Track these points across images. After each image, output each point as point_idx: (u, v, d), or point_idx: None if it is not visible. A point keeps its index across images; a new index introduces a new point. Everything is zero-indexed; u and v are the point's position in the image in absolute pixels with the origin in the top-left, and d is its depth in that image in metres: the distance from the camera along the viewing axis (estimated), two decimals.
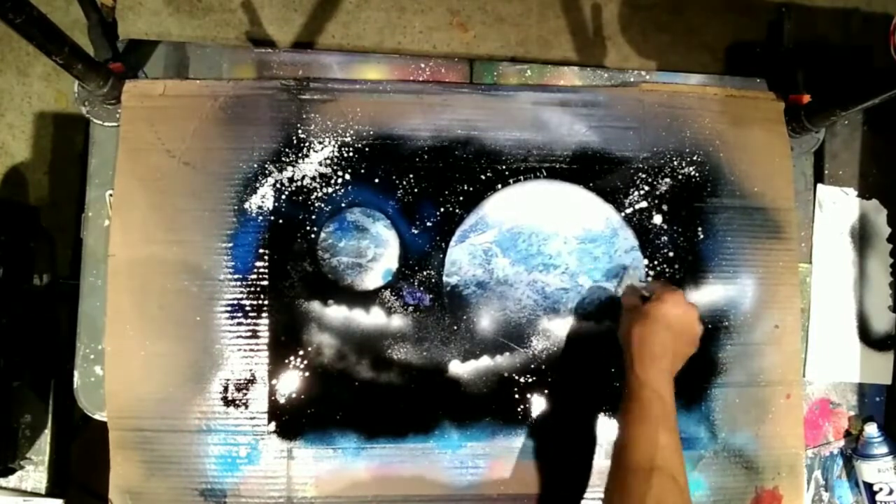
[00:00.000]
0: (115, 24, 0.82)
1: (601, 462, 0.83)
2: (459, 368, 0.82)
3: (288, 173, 0.83)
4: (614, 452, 0.68)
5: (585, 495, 0.83)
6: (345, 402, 0.81)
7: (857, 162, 0.96)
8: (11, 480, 0.87)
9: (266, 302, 0.81)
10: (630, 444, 0.66)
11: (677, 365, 0.71)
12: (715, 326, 0.86)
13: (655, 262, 0.86)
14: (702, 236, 0.87)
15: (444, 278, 0.83)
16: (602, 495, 0.82)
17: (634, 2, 1.32)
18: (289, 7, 1.30)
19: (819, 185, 0.94)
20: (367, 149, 0.84)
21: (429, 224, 0.84)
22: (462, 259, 0.84)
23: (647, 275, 0.85)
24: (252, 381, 0.80)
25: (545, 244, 0.85)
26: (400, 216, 0.83)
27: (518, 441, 0.82)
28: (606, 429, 0.84)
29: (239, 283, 0.81)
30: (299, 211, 0.82)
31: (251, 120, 0.83)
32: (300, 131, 0.83)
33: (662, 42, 1.33)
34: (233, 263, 0.81)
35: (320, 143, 0.83)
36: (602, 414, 0.84)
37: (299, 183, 0.83)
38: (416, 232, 0.83)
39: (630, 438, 0.66)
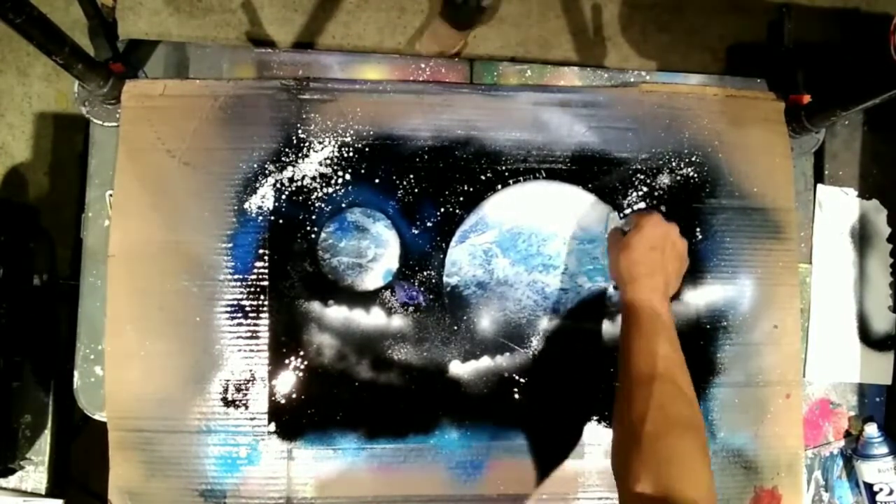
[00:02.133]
0: (115, 24, 0.82)
1: (601, 462, 0.83)
2: (459, 369, 0.82)
3: (288, 173, 0.83)
4: (619, 373, 0.68)
5: (585, 495, 0.83)
6: (345, 402, 0.81)
7: (858, 162, 0.96)
8: (11, 480, 0.86)
9: (266, 302, 0.81)
10: (630, 358, 0.66)
11: (671, 283, 0.72)
12: (714, 326, 0.86)
13: None
14: (701, 237, 0.87)
15: (445, 279, 0.83)
16: (601, 494, 0.83)
17: (634, 2, 1.32)
18: (289, 7, 1.30)
19: (819, 186, 0.94)
20: (367, 149, 0.84)
21: (429, 224, 0.84)
22: (462, 259, 0.84)
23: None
24: (252, 381, 0.80)
25: (545, 245, 0.85)
26: (400, 216, 0.83)
27: (518, 441, 0.82)
28: (606, 429, 0.84)
29: (239, 283, 0.81)
30: (299, 211, 0.82)
31: (251, 120, 0.83)
32: (300, 131, 0.83)
33: (662, 42, 1.32)
34: (233, 263, 0.81)
35: (320, 143, 0.83)
36: (601, 414, 0.84)
37: (299, 183, 0.83)
38: (416, 232, 0.83)
39: (629, 352, 0.66)
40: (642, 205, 0.86)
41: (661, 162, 0.87)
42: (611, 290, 0.85)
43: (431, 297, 0.83)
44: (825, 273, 0.93)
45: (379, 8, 1.30)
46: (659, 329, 0.67)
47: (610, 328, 0.84)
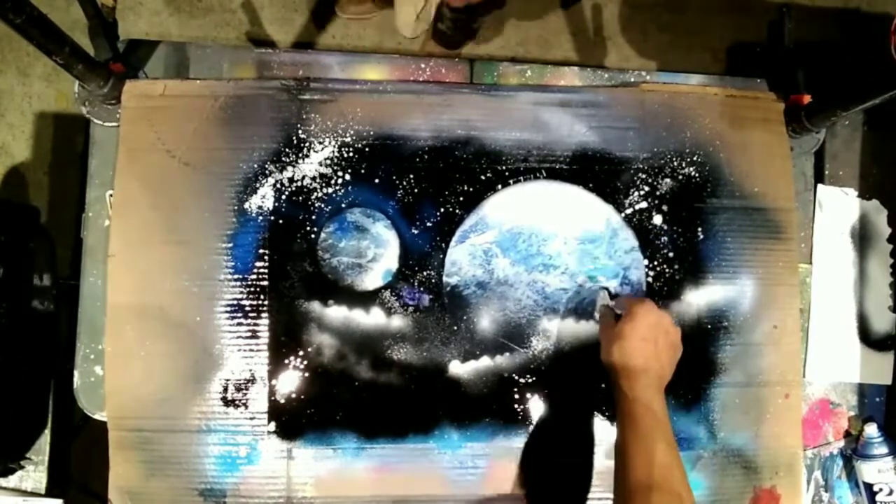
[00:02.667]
0: (115, 24, 0.82)
1: (601, 462, 0.83)
2: (459, 369, 0.82)
3: (288, 173, 0.83)
4: (615, 471, 0.68)
5: (585, 495, 0.83)
6: (345, 402, 0.81)
7: (858, 162, 0.96)
8: (11, 480, 0.86)
9: (266, 302, 0.81)
10: (627, 462, 0.65)
11: (664, 374, 0.70)
12: (714, 327, 0.86)
13: (655, 263, 0.86)
14: (702, 237, 0.87)
15: (445, 279, 0.83)
16: (601, 495, 0.83)
17: (635, 2, 1.32)
18: (289, 7, 1.30)
19: (819, 186, 0.94)
20: (367, 149, 0.84)
21: (429, 224, 0.84)
22: (462, 259, 0.84)
23: (615, 291, 0.84)
24: (252, 381, 0.80)
25: (545, 244, 0.85)
26: (400, 216, 0.83)
27: (518, 441, 0.82)
28: (606, 429, 0.84)
29: (239, 283, 0.81)
30: (299, 211, 0.82)
31: (251, 120, 0.83)
32: (300, 131, 0.83)
33: (663, 42, 1.33)
34: (233, 263, 0.81)
35: (320, 143, 0.83)
36: (601, 414, 0.84)
37: (299, 183, 0.83)
38: (416, 232, 0.83)
39: (626, 455, 0.65)
40: (658, 220, 0.85)
41: (661, 162, 0.87)
42: (613, 289, 0.85)
43: (431, 297, 0.83)
44: (825, 273, 0.93)
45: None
46: (656, 431, 0.65)
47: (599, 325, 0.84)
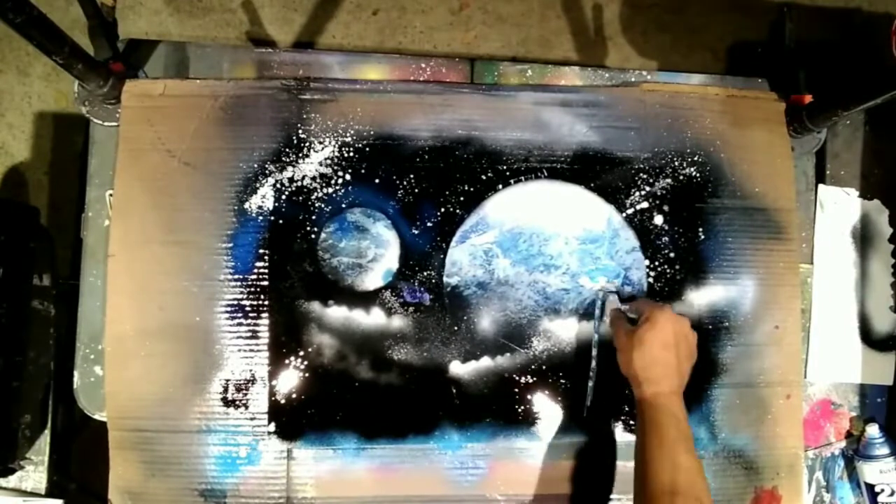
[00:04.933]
0: (115, 23, 0.82)
1: (602, 463, 0.83)
2: (460, 369, 0.82)
3: (288, 173, 0.82)
4: (636, 479, 0.67)
5: (585, 496, 0.82)
6: (345, 402, 0.81)
7: (859, 162, 0.95)
8: (11, 480, 0.86)
9: (266, 302, 0.81)
10: (650, 469, 0.65)
11: (683, 380, 0.71)
12: (715, 327, 0.85)
13: (656, 263, 0.86)
14: (703, 237, 0.86)
15: (445, 279, 0.83)
16: (601, 495, 0.83)
17: (635, 2, 1.32)
18: (289, 7, 1.29)
19: (820, 186, 0.94)
20: (367, 149, 0.84)
21: (429, 224, 0.83)
22: (463, 260, 0.84)
23: (621, 293, 0.84)
24: (252, 381, 0.80)
25: (546, 245, 0.85)
26: (400, 216, 0.83)
27: (518, 442, 0.82)
28: (606, 429, 0.83)
29: (239, 283, 0.81)
30: (299, 211, 0.82)
31: (251, 120, 0.83)
32: (300, 131, 0.83)
33: (663, 42, 1.32)
34: (233, 264, 0.81)
35: (321, 143, 0.83)
36: (602, 414, 0.84)
37: (299, 183, 0.83)
38: (416, 232, 0.83)
39: (649, 463, 0.65)
40: (659, 220, 0.85)
41: (662, 162, 0.87)
42: (622, 293, 0.85)
43: (432, 297, 0.83)
44: (826, 273, 0.93)
45: (379, 8, 1.30)
46: (679, 438, 0.65)
47: (611, 329, 0.84)
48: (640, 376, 0.69)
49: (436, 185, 0.84)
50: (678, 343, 0.70)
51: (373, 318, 0.82)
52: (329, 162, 0.83)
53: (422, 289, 0.83)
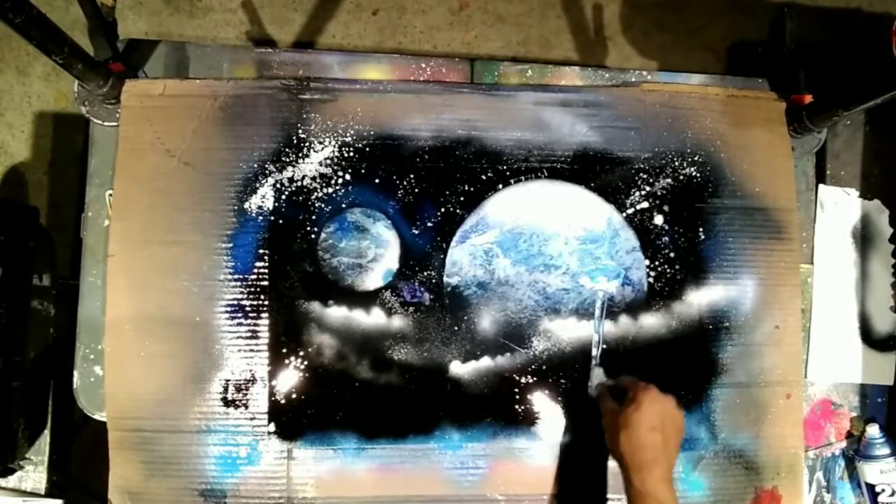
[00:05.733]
0: (114, 23, 0.82)
1: (602, 463, 0.83)
2: (460, 369, 0.82)
3: (288, 173, 0.82)
4: None
5: (585, 496, 0.82)
6: (345, 402, 0.81)
7: (859, 162, 0.95)
8: (11, 480, 0.86)
9: (266, 302, 0.81)
10: None
11: (672, 461, 0.70)
12: (716, 327, 0.85)
13: (657, 263, 0.86)
14: (703, 237, 0.86)
15: (445, 279, 0.83)
16: (607, 495, 0.83)
17: (636, 2, 1.32)
18: (289, 7, 1.30)
19: (821, 186, 0.94)
20: (367, 149, 0.84)
21: (429, 224, 0.83)
22: (463, 259, 0.84)
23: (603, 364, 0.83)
24: (252, 381, 0.80)
25: (546, 245, 0.85)
26: (400, 216, 0.83)
27: (519, 442, 0.82)
28: None
29: (239, 283, 0.80)
30: (299, 211, 0.82)
31: (251, 120, 0.83)
32: (300, 131, 0.83)
33: (664, 42, 1.32)
34: (233, 263, 0.81)
35: (320, 143, 0.83)
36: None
37: (299, 183, 0.82)
38: (416, 232, 0.83)
39: None
40: (659, 220, 0.84)
41: (663, 161, 0.87)
42: (612, 290, 0.85)
43: (432, 297, 0.83)
44: (827, 273, 0.93)
45: (379, 7, 1.30)
46: None
47: (611, 328, 0.84)
48: (628, 461, 0.68)
49: (436, 185, 0.84)
50: (664, 423, 0.69)
51: (373, 318, 0.82)
52: (329, 162, 0.83)
53: (421, 288, 0.83)
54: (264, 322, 0.80)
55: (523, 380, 0.83)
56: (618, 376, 0.80)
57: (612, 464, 0.83)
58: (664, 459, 0.69)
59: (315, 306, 0.81)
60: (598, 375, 0.82)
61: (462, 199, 0.84)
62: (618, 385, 0.77)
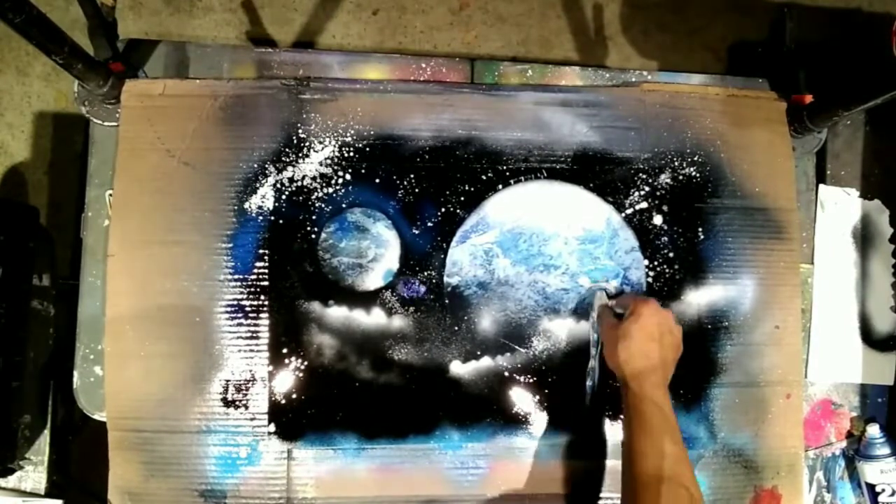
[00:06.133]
0: (114, 23, 0.82)
1: (603, 462, 0.83)
2: (460, 369, 0.82)
3: (288, 173, 0.82)
4: (623, 468, 0.68)
5: (585, 495, 0.82)
6: (345, 402, 0.81)
7: (860, 162, 0.95)
8: (11, 480, 0.86)
9: (266, 302, 0.81)
10: (636, 457, 0.66)
11: (668, 372, 0.71)
12: (715, 327, 0.85)
13: (656, 263, 0.85)
14: (703, 237, 0.86)
15: (445, 279, 0.83)
16: (602, 495, 0.83)
17: (636, 2, 1.32)
18: (289, 7, 1.30)
19: (821, 186, 0.94)
20: (367, 149, 0.84)
21: (430, 224, 0.83)
22: (463, 259, 0.84)
23: (608, 291, 0.84)
24: (252, 381, 0.80)
25: (546, 245, 0.85)
26: (401, 216, 0.83)
27: (519, 441, 0.82)
28: (608, 428, 0.83)
29: (239, 283, 0.80)
30: (299, 211, 0.82)
31: (251, 120, 0.83)
32: (300, 131, 0.83)
33: (664, 42, 1.32)
34: (233, 264, 0.81)
35: (321, 142, 0.83)
36: (603, 414, 0.84)
37: (299, 183, 0.82)
38: (416, 232, 0.83)
39: (635, 451, 0.66)
40: (658, 220, 0.85)
41: (663, 161, 0.87)
42: (611, 289, 0.85)
43: (432, 297, 0.83)
44: (827, 273, 0.93)
45: (380, 7, 1.30)
46: (665, 427, 0.66)
47: (598, 322, 0.84)
48: (625, 368, 0.70)
49: (436, 184, 0.84)
50: (662, 335, 0.71)
51: (373, 318, 0.82)
52: (329, 162, 0.83)
53: (416, 281, 0.82)
54: (264, 322, 0.80)
55: (523, 380, 0.83)
56: (618, 297, 0.81)
57: (610, 462, 0.83)
58: (661, 369, 0.70)
59: (315, 306, 0.81)
60: (600, 297, 0.81)
61: (462, 199, 0.84)
62: (619, 304, 0.78)
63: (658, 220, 0.86)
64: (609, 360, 0.73)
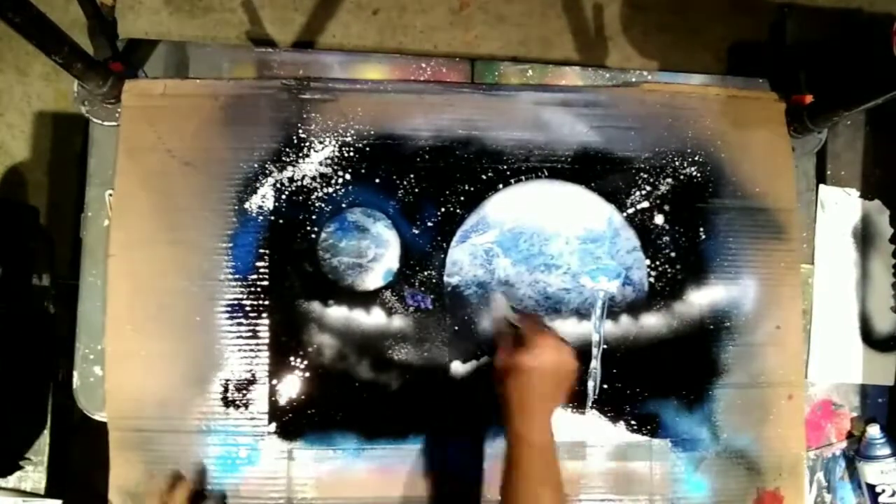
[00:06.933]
0: (114, 23, 0.81)
1: (602, 463, 0.83)
2: (460, 369, 0.82)
3: (288, 173, 0.82)
4: None
5: (587, 497, 0.82)
6: (345, 402, 0.80)
7: (860, 162, 0.95)
8: (11, 480, 0.86)
9: (266, 302, 0.80)
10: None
11: (557, 406, 0.67)
12: (716, 327, 0.85)
13: (657, 263, 0.85)
14: (703, 237, 0.86)
15: (445, 279, 0.83)
16: (602, 496, 0.82)
17: (636, 2, 1.32)
18: (289, 7, 1.30)
19: (821, 186, 0.94)
20: (367, 149, 0.83)
21: (430, 224, 0.83)
22: (463, 259, 0.84)
23: (510, 296, 0.82)
24: (252, 381, 0.80)
25: (547, 244, 0.85)
26: (401, 216, 0.83)
27: None
28: (608, 429, 0.83)
29: (239, 283, 0.80)
30: (299, 211, 0.82)
31: (251, 120, 0.83)
32: (301, 131, 0.83)
33: (664, 42, 1.32)
34: (233, 263, 0.81)
35: (321, 142, 0.83)
36: (603, 414, 0.83)
37: (300, 183, 0.82)
38: (416, 232, 0.83)
39: (513, 497, 0.63)
40: (659, 219, 0.84)
41: (663, 161, 0.87)
42: (613, 290, 0.85)
43: (433, 297, 0.83)
44: (827, 274, 0.93)
45: (380, 7, 1.30)
46: (543, 473, 0.64)
47: (612, 328, 0.84)
48: (514, 406, 0.65)
49: (436, 184, 0.84)
50: (558, 374, 0.66)
51: (373, 318, 0.82)
52: (329, 162, 0.83)
53: (423, 293, 0.82)
54: (264, 322, 0.80)
55: None
56: (520, 311, 0.77)
57: (615, 464, 0.83)
58: (549, 406, 0.66)
59: (315, 306, 0.81)
60: (500, 307, 0.77)
61: (462, 198, 0.84)
62: (517, 321, 0.72)
63: (660, 219, 0.86)
64: (497, 389, 0.68)
